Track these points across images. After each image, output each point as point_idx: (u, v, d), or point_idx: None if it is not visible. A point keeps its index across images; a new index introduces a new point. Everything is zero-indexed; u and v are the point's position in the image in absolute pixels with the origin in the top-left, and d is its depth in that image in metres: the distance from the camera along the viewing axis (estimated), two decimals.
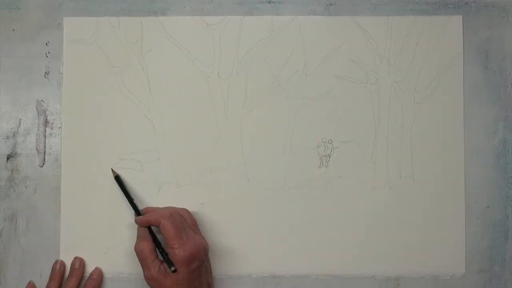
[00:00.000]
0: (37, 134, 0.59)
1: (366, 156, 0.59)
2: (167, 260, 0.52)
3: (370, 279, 0.59)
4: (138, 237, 0.54)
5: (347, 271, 0.58)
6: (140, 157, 0.59)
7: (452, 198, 0.59)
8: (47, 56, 0.59)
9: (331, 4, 0.60)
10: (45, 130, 0.59)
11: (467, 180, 0.59)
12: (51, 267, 0.57)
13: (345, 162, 0.59)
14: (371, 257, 0.59)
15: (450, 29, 0.59)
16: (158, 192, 0.59)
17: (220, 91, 0.59)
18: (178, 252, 0.51)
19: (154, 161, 0.59)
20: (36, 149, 0.59)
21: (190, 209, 0.57)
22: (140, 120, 0.59)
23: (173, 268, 0.51)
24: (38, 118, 0.59)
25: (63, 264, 0.58)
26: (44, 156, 0.59)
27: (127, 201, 0.57)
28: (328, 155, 0.59)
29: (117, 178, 0.57)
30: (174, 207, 0.57)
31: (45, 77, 0.59)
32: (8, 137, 0.59)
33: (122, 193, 0.57)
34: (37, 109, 0.59)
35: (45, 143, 0.59)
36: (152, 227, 0.54)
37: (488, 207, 0.59)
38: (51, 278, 0.57)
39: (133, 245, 0.54)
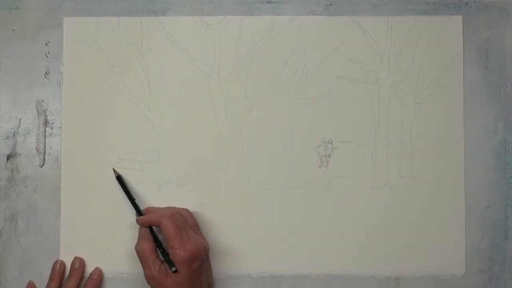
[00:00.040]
0: (37, 134, 0.59)
1: (366, 156, 0.59)
2: (168, 260, 0.52)
3: (370, 279, 0.59)
4: (139, 237, 0.54)
5: (347, 271, 0.59)
6: (140, 157, 0.59)
7: (452, 198, 0.59)
8: (47, 56, 0.59)
9: (331, 4, 0.60)
10: (45, 130, 0.59)
11: (467, 180, 0.59)
12: (51, 267, 0.57)
13: (345, 162, 0.59)
14: (371, 257, 0.59)
15: (450, 29, 0.59)
16: (158, 192, 0.59)
17: (220, 91, 0.59)
18: (179, 252, 0.51)
19: (154, 161, 0.59)
20: (36, 149, 0.59)
21: (190, 209, 0.57)
22: (140, 120, 0.59)
23: (173, 269, 0.51)
24: (38, 118, 0.59)
25: (63, 264, 0.58)
26: (44, 156, 0.59)
27: (127, 201, 0.57)
28: (328, 155, 0.59)
29: (119, 178, 0.57)
30: (175, 207, 0.57)
31: (45, 77, 0.59)
32: (8, 137, 0.59)
33: (122, 193, 0.57)
34: (37, 109, 0.59)
35: (45, 143, 0.59)
36: (153, 227, 0.54)
37: (488, 207, 0.59)
38: (51, 278, 0.57)
39: (133, 245, 0.54)
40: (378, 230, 0.59)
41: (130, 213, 0.57)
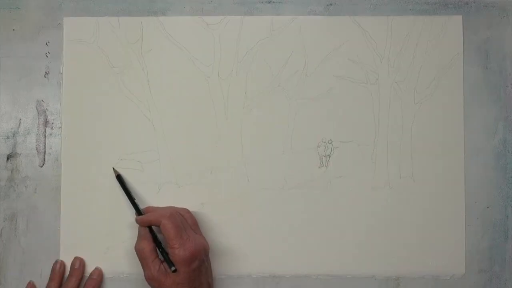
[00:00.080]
0: (37, 134, 0.59)
1: (366, 156, 0.59)
2: (167, 260, 0.52)
3: (370, 279, 0.59)
4: (139, 236, 0.54)
5: (347, 271, 0.58)
6: (140, 157, 0.59)
7: (452, 198, 0.59)
8: (47, 56, 0.59)
9: (331, 4, 0.60)
10: (45, 130, 0.59)
11: (467, 180, 0.59)
12: (51, 267, 0.57)
13: (345, 162, 0.59)
14: (371, 257, 0.59)
15: (450, 29, 0.59)
16: (158, 192, 0.59)
17: (220, 91, 0.59)
18: (178, 252, 0.51)
19: (154, 161, 0.59)
20: (36, 149, 0.59)
21: (190, 209, 0.57)
22: (140, 120, 0.59)
23: (173, 268, 0.51)
24: (38, 118, 0.59)
25: (63, 264, 0.58)
26: (44, 156, 0.59)
27: (127, 201, 0.57)
28: (328, 155, 0.59)
29: (119, 178, 0.57)
30: (175, 207, 0.57)
31: (45, 77, 0.59)
32: (8, 137, 0.59)
33: (122, 192, 0.57)
34: (37, 109, 0.59)
35: (45, 143, 0.59)
36: (152, 226, 0.54)
37: (488, 207, 0.59)
38: (51, 278, 0.57)
39: (133, 245, 0.54)
40: (378, 230, 0.59)
41: (130, 213, 0.57)
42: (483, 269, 0.59)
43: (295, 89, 0.59)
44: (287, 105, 0.59)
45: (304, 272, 0.59)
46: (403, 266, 0.58)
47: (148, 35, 0.59)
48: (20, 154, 0.59)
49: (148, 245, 0.53)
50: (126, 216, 0.58)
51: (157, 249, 0.54)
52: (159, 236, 0.54)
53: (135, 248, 0.53)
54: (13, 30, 0.59)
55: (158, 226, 0.52)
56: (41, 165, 0.59)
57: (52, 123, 0.59)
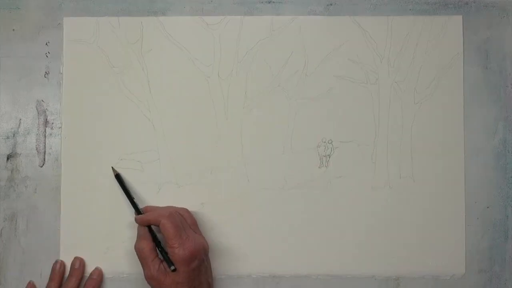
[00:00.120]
0: (37, 134, 0.59)
1: (366, 156, 0.59)
2: (166, 259, 0.52)
3: (370, 279, 0.59)
4: (138, 236, 0.54)
5: (347, 271, 0.58)
6: (140, 157, 0.59)
7: (452, 198, 0.59)
8: (47, 56, 0.59)
9: (331, 4, 0.60)
10: (45, 130, 0.59)
11: (467, 180, 0.59)
12: (51, 267, 0.57)
13: (345, 162, 0.59)
14: (371, 257, 0.59)
15: (450, 29, 0.59)
16: (158, 192, 0.59)
17: (220, 91, 0.59)
18: (177, 251, 0.51)
19: (154, 161, 0.59)
20: (36, 149, 0.59)
21: (190, 209, 0.57)
22: (140, 120, 0.59)
23: (172, 268, 0.51)
24: (38, 118, 0.59)
25: (63, 264, 0.58)
26: (44, 156, 0.59)
27: (127, 201, 0.57)
28: (328, 155, 0.59)
29: (118, 177, 0.57)
30: (174, 207, 0.57)
31: (45, 77, 0.59)
32: (8, 137, 0.59)
33: (122, 192, 0.57)
34: (37, 109, 0.59)
35: (45, 143, 0.59)
36: (152, 226, 0.54)
37: (488, 207, 0.59)
38: (51, 278, 0.57)
39: (133, 245, 0.54)
40: (378, 230, 0.59)
41: (130, 213, 0.57)
42: (483, 269, 0.59)
43: (295, 89, 0.59)
44: (287, 105, 0.59)
45: (304, 272, 0.59)
46: (403, 266, 0.58)
47: (148, 35, 0.59)
48: (20, 154, 0.59)
49: (147, 245, 0.53)
50: (126, 216, 0.58)
51: (157, 249, 0.54)
52: (159, 235, 0.54)
53: (135, 247, 0.53)
54: (13, 30, 0.59)
55: (158, 226, 0.53)
56: (41, 165, 0.59)
57: (52, 123, 0.59)
